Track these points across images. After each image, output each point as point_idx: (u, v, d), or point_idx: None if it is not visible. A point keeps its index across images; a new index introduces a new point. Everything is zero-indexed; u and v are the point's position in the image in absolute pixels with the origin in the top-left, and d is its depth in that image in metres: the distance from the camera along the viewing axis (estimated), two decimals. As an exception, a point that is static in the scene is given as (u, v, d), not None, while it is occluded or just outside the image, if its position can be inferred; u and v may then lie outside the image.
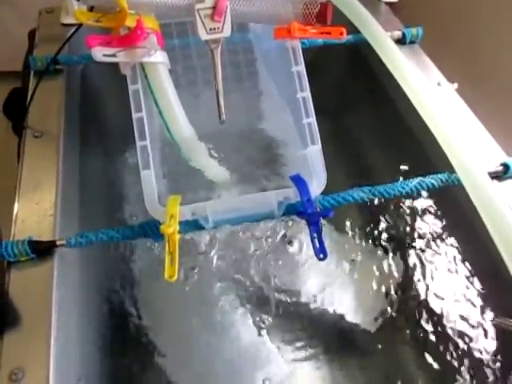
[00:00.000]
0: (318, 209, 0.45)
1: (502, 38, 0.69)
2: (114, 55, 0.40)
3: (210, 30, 0.44)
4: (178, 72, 0.54)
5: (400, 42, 0.69)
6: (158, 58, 0.43)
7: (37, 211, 0.47)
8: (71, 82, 0.62)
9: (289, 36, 0.46)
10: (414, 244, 0.66)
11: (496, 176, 0.52)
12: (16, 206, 0.47)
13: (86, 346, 0.46)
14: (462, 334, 0.57)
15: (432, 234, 0.64)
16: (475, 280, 0.57)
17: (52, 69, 0.60)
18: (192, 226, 0.45)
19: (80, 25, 0.58)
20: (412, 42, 0.70)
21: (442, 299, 0.61)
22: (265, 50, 0.58)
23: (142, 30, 0.40)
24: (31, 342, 0.39)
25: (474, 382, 0.54)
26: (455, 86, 0.63)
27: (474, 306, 0.57)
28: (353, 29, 0.52)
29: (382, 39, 0.60)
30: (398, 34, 0.69)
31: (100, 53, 0.38)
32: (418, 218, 0.66)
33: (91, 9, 0.47)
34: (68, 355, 0.41)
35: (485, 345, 0.55)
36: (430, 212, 0.65)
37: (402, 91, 0.54)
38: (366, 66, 0.72)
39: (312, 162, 0.46)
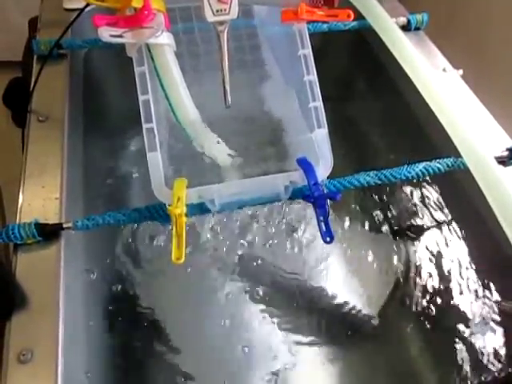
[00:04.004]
0: (325, 192, 0.45)
1: (507, 23, 0.68)
2: (120, 35, 0.39)
3: (217, 11, 0.43)
4: (182, 57, 0.54)
5: (405, 28, 0.69)
6: (164, 40, 0.43)
7: (42, 194, 0.47)
8: (75, 67, 0.61)
9: (296, 18, 0.46)
10: (419, 230, 0.66)
11: (502, 161, 0.52)
12: (22, 189, 0.47)
13: (93, 325, 0.46)
14: (467, 321, 0.57)
15: (438, 221, 0.64)
16: (481, 266, 0.57)
17: (55, 53, 0.60)
18: (198, 209, 0.45)
19: (83, 9, 0.57)
20: (417, 29, 0.69)
21: (448, 286, 0.61)
22: (270, 35, 0.58)
23: (150, 10, 0.39)
24: (39, 324, 0.39)
25: (479, 369, 0.54)
26: (460, 72, 0.63)
27: (480, 292, 0.57)
28: (357, 15, 0.51)
29: (387, 25, 0.59)
30: (403, 20, 0.69)
31: (107, 32, 0.38)
32: (424, 204, 0.66)
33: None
34: (75, 335, 0.41)
35: (491, 332, 0.55)
36: (435, 198, 0.65)
37: (407, 77, 0.54)
38: (371, 52, 0.72)
39: (318, 146, 0.46)
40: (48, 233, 0.43)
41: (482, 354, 0.55)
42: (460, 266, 0.60)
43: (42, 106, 0.55)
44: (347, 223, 0.71)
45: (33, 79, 0.57)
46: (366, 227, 0.70)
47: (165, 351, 0.58)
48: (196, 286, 0.64)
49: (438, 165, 0.49)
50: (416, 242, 0.66)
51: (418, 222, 0.67)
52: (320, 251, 0.67)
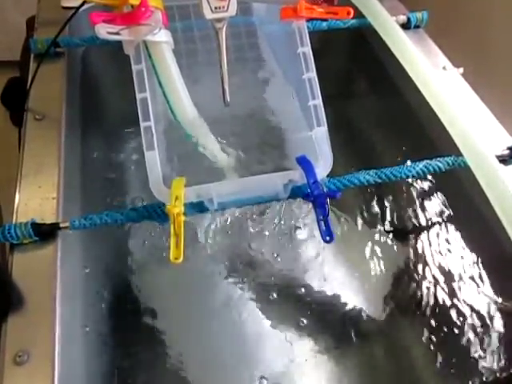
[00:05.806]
0: (325, 191, 0.45)
1: (507, 22, 0.68)
2: (117, 33, 0.39)
3: (215, 8, 0.43)
4: (180, 54, 0.54)
5: (405, 26, 0.68)
6: (162, 37, 0.43)
7: (39, 194, 0.46)
8: (72, 65, 0.61)
9: (295, 16, 0.46)
10: (420, 229, 0.66)
11: (503, 160, 0.52)
12: (18, 188, 0.47)
13: (90, 326, 0.46)
14: (468, 321, 0.57)
15: (438, 219, 0.64)
16: (482, 264, 0.57)
17: (52, 52, 0.60)
18: (197, 208, 0.44)
19: (80, 6, 0.57)
20: (417, 27, 0.69)
21: (449, 284, 0.61)
22: (269, 33, 0.58)
23: (147, 7, 0.39)
24: (36, 325, 0.39)
25: (480, 369, 0.54)
26: (460, 70, 0.63)
27: (481, 292, 0.56)
28: (356, 13, 0.51)
29: (387, 23, 0.59)
30: (402, 18, 0.69)
31: (104, 30, 0.38)
32: (424, 203, 0.66)
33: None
34: (72, 336, 0.41)
35: (491, 332, 0.55)
36: (435, 196, 0.65)
37: (407, 75, 0.54)
38: (370, 50, 0.71)
39: (318, 144, 0.45)
40: (45, 233, 0.43)
41: (483, 353, 0.54)
42: (460, 265, 0.60)
43: (38, 105, 0.55)
44: (347, 222, 0.70)
45: (29, 78, 0.56)
46: (367, 226, 0.70)
47: (164, 352, 0.58)
48: (197, 285, 0.64)
49: (439, 163, 0.49)
50: (416, 241, 0.66)
51: (419, 220, 0.67)
52: (319, 250, 0.67)
